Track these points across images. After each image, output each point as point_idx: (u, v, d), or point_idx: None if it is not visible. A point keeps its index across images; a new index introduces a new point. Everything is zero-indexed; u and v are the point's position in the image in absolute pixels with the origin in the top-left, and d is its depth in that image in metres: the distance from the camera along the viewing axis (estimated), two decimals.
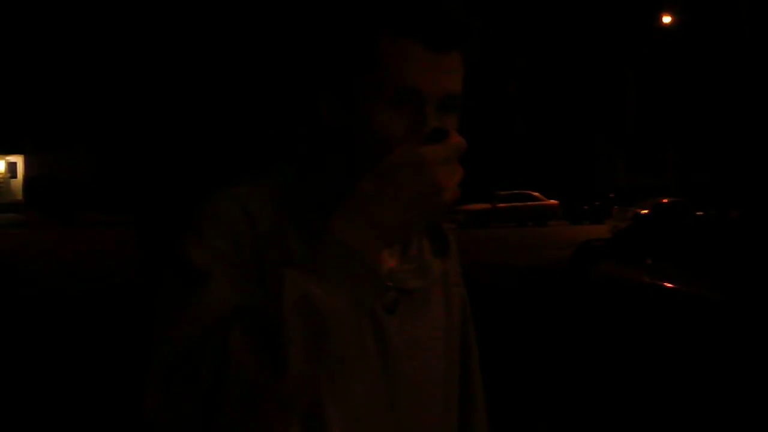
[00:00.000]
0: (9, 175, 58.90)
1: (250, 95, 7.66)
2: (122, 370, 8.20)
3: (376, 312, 1.47)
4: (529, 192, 44.97)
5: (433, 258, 1.60)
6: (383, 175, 1.29)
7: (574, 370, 8.97)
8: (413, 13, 1.40)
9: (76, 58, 45.26)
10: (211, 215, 1.39)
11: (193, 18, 8.02)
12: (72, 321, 12.61)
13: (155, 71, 8.28)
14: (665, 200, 28.78)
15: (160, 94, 8.15)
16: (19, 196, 56.87)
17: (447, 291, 1.64)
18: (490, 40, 48.87)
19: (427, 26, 1.40)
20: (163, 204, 7.67)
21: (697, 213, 9.34)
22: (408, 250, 1.57)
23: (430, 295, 1.58)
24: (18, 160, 58.49)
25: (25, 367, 9.50)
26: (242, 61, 7.79)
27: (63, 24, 44.76)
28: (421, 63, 1.40)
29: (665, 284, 8.42)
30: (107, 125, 45.97)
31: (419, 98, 1.40)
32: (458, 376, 1.66)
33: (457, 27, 1.41)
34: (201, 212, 1.40)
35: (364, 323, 1.44)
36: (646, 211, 26.15)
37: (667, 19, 47.73)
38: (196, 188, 7.37)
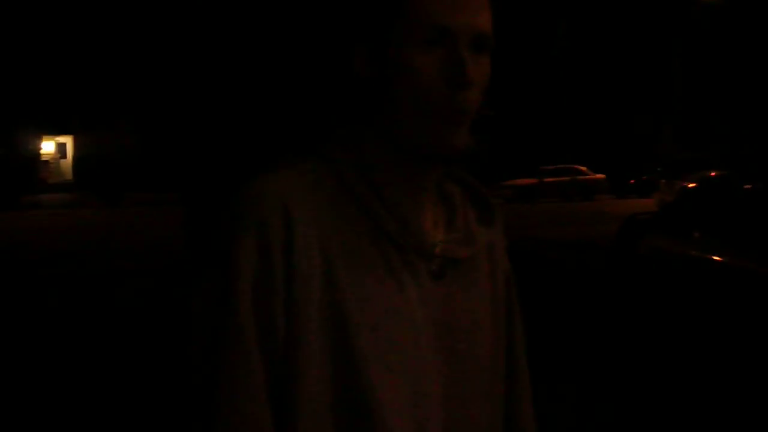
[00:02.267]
0: (59, 155, 59.45)
1: (288, 60, 7.67)
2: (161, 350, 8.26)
3: (422, 279, 1.48)
4: (576, 166, 44.71)
5: (479, 227, 1.60)
6: None
7: (620, 344, 8.94)
8: None
9: (121, 37, 45.57)
10: (244, 219, 1.40)
11: None
12: (116, 302, 12.74)
13: (192, 45, 8.31)
14: (713, 173, 28.47)
15: (197, 68, 8.19)
16: (69, 176, 57.45)
17: (493, 263, 1.63)
18: (533, 5, 48.49)
19: None
20: (209, 180, 7.72)
21: (745, 186, 9.23)
22: (454, 219, 1.56)
23: (476, 265, 1.58)
24: (67, 140, 59.00)
25: (73, 344, 9.63)
26: (278, 24, 7.79)
27: (109, 3, 45.05)
28: (451, 0, 1.40)
29: (714, 258, 8.36)
30: (153, 103, 46.26)
31: (452, 37, 1.40)
32: (503, 347, 1.65)
33: None
34: (235, 210, 1.42)
35: (410, 291, 1.46)
36: (693, 185, 25.87)
37: None
38: (241, 163, 7.40)
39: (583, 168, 44.50)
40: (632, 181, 45.05)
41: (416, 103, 1.41)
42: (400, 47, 1.42)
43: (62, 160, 59.36)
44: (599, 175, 44.15)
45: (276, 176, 1.44)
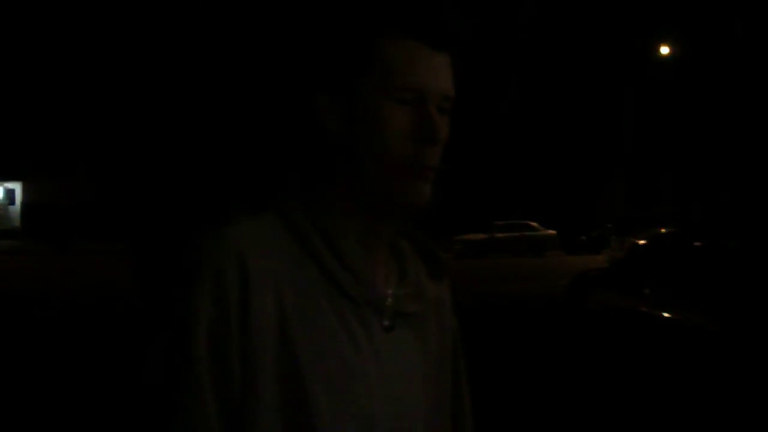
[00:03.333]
0: (7, 201, 58.84)
1: (246, 109, 7.67)
2: (110, 399, 8.15)
3: (374, 332, 1.49)
4: (527, 222, 44.98)
5: (428, 282, 1.61)
6: None
7: (570, 399, 8.93)
8: (413, 12, 1.44)
9: (75, 83, 45.35)
10: (200, 266, 1.40)
11: (186, 34, 8.05)
12: (60, 349, 12.56)
13: (150, 88, 8.29)
14: (663, 230, 28.77)
15: (155, 114, 8.16)
16: (17, 222, 56.82)
17: (441, 318, 1.64)
18: (485, 64, 49.03)
19: (426, 25, 1.44)
20: (159, 231, 7.66)
21: (695, 243, 9.35)
22: (406, 274, 1.58)
23: (425, 320, 1.59)
24: (16, 186, 58.45)
25: (16, 393, 9.45)
26: (239, 72, 7.80)
27: (60, 50, 44.88)
28: (423, 63, 1.44)
29: (663, 314, 8.40)
30: (105, 151, 46.05)
31: (422, 99, 1.44)
32: (449, 401, 1.66)
33: (454, 26, 1.46)
34: (190, 259, 1.42)
35: (363, 343, 1.47)
36: (643, 242, 26.14)
37: (665, 50, 47.91)
38: (193, 214, 7.36)
39: (534, 224, 44.79)
40: (583, 237, 45.36)
41: (383, 156, 1.44)
42: (369, 101, 1.44)
43: (10, 207, 58.74)
44: (550, 231, 44.44)
45: (232, 227, 1.44)
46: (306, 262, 1.45)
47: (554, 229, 44.58)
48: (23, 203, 57.64)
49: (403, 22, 1.44)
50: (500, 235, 43.58)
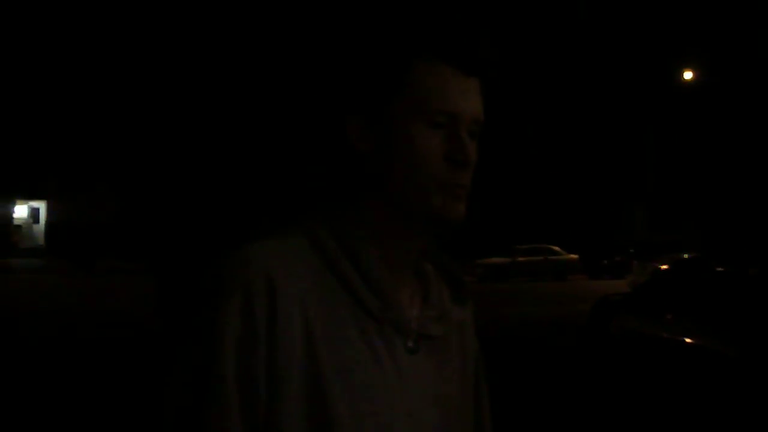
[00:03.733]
0: (32, 220, 59.03)
1: (276, 129, 7.72)
2: (133, 418, 8.17)
3: (398, 354, 1.50)
4: (549, 246, 44.76)
5: (452, 305, 1.63)
6: None
7: (592, 425, 8.90)
8: (448, 37, 1.48)
9: (100, 103, 45.56)
10: (228, 284, 1.42)
11: (218, 53, 8.11)
12: (82, 369, 12.59)
13: (178, 109, 8.35)
14: (685, 255, 28.62)
15: (182, 133, 8.22)
16: (41, 241, 57.01)
17: (463, 341, 1.66)
18: (509, 88, 49.01)
19: (461, 50, 1.48)
20: (183, 251, 7.69)
21: (717, 269, 9.29)
22: (429, 296, 1.60)
23: (449, 342, 1.61)
24: (41, 205, 58.64)
25: (37, 412, 9.49)
26: (270, 92, 7.85)
27: (86, 70, 45.09)
28: (456, 87, 1.48)
29: (685, 339, 8.37)
30: (129, 171, 46.17)
31: (455, 122, 1.48)
32: (471, 425, 1.67)
33: (486, 52, 1.49)
34: (219, 278, 1.44)
35: (387, 364, 1.48)
36: (666, 267, 26.01)
37: (688, 75, 47.78)
38: (222, 232, 7.40)
39: (557, 248, 44.58)
40: (605, 261, 45.11)
41: (416, 178, 1.47)
42: (401, 124, 1.47)
43: (35, 225, 58.94)
44: (572, 256, 44.22)
45: (260, 246, 1.46)
46: (332, 283, 1.47)
47: (576, 254, 44.36)
48: (47, 222, 57.84)
49: (438, 47, 1.47)
50: (522, 258, 43.37)
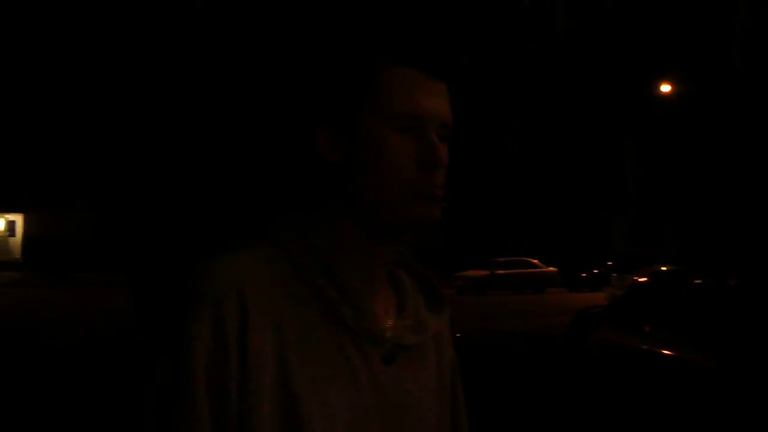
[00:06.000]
0: (8, 233, 58.79)
1: (246, 142, 7.71)
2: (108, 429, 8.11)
3: (373, 364, 1.49)
4: (528, 259, 44.91)
5: (428, 314, 1.61)
6: None
7: None
8: (413, 41, 1.47)
9: (76, 117, 45.43)
10: (199, 297, 1.41)
11: (185, 65, 8.10)
12: (60, 381, 12.51)
13: (148, 122, 8.35)
14: (663, 268, 28.74)
15: (154, 147, 8.20)
16: (18, 254, 56.75)
17: (440, 350, 1.65)
18: (486, 99, 49.15)
19: (425, 54, 1.47)
20: (160, 263, 7.65)
21: (696, 281, 9.33)
22: (405, 306, 1.58)
23: (424, 352, 1.60)
24: (17, 218, 58.42)
25: (11, 424, 9.41)
26: (239, 104, 7.85)
27: (62, 83, 44.98)
28: (423, 90, 1.46)
29: (663, 351, 8.37)
30: (106, 185, 46.06)
31: (423, 125, 1.46)
32: None
33: (452, 55, 1.47)
34: (190, 292, 1.42)
35: (362, 376, 1.47)
36: (644, 279, 26.12)
37: (666, 88, 48.03)
38: (195, 245, 7.37)
39: (535, 261, 44.73)
40: (583, 274, 45.29)
41: (389, 184, 1.45)
42: (370, 131, 1.46)
43: (11, 238, 58.68)
44: (551, 268, 44.37)
45: (230, 259, 1.45)
46: (305, 294, 1.46)
47: (555, 266, 44.52)
48: (24, 235, 57.61)
49: (403, 51, 1.46)
50: (501, 271, 43.47)
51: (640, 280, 26.47)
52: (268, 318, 1.41)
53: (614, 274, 33.75)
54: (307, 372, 1.41)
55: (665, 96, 48.87)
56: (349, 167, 1.48)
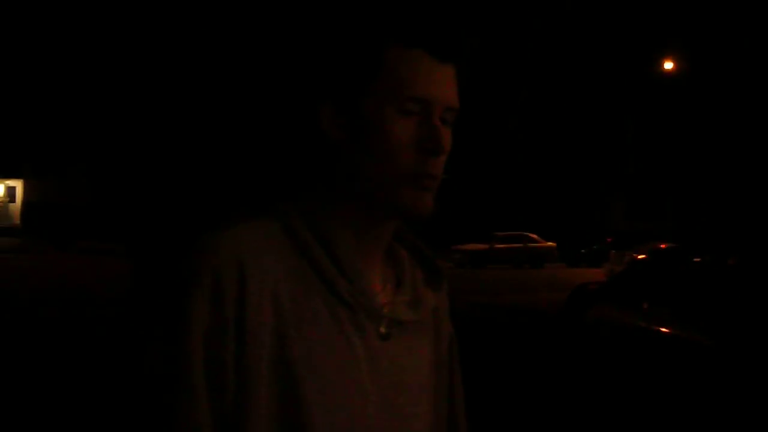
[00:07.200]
0: (8, 199, 58.82)
1: (249, 114, 7.67)
2: (107, 401, 8.13)
3: (370, 339, 1.49)
4: (527, 233, 44.96)
5: (426, 290, 1.61)
6: None
7: (565, 412, 8.91)
8: (421, 23, 1.46)
9: (77, 82, 45.32)
10: (198, 271, 1.41)
11: (190, 37, 8.06)
12: (57, 348, 12.53)
13: (152, 91, 8.30)
14: (663, 245, 28.78)
15: (157, 116, 8.17)
16: (17, 220, 56.78)
17: (437, 325, 1.65)
18: (489, 76, 49.03)
19: (434, 36, 1.46)
20: (160, 234, 7.64)
21: (695, 259, 9.31)
22: (403, 281, 1.58)
23: (422, 327, 1.59)
24: (17, 184, 58.44)
25: (11, 393, 9.43)
26: (243, 77, 7.80)
27: (64, 49, 44.85)
28: (429, 73, 1.45)
29: (661, 329, 8.38)
30: (106, 151, 46.01)
31: (427, 109, 1.45)
32: (445, 411, 1.66)
33: (459, 39, 1.47)
34: (188, 265, 1.42)
35: (358, 350, 1.47)
36: (643, 256, 26.17)
37: (668, 65, 47.92)
38: (195, 216, 7.35)
39: (534, 235, 44.77)
40: (583, 250, 45.34)
41: (386, 166, 1.45)
42: (374, 112, 1.45)
43: (11, 204, 58.70)
44: (550, 243, 44.44)
45: (230, 231, 1.45)
46: (304, 268, 1.46)
47: (554, 242, 44.58)
48: (24, 201, 57.62)
49: (411, 33, 1.45)
50: (500, 246, 43.55)
51: (639, 257, 26.50)
52: (266, 291, 1.41)
53: (613, 251, 33.73)
54: (304, 345, 1.41)
55: (667, 73, 48.76)
56: (349, 146, 1.48)
